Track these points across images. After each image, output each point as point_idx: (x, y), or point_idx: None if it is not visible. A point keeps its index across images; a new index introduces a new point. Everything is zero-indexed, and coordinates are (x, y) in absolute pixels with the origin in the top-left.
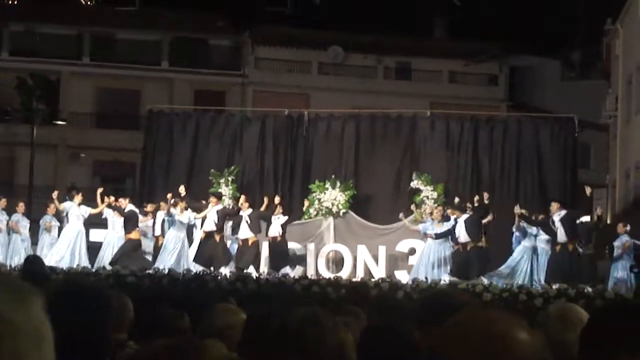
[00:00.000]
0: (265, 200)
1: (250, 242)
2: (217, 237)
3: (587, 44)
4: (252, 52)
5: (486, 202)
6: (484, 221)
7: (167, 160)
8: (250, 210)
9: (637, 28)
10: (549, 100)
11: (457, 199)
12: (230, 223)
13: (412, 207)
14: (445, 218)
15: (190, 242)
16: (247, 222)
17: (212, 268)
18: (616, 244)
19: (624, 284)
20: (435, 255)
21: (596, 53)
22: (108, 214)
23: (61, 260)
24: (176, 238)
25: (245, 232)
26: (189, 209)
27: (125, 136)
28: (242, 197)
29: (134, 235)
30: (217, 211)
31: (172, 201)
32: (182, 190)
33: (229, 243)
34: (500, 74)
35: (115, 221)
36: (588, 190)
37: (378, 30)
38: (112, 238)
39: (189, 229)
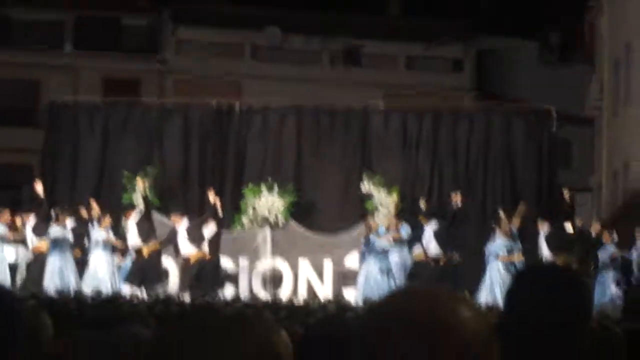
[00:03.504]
0: (212, 196)
1: (192, 260)
2: (147, 252)
3: (567, 23)
4: (173, 33)
5: (460, 204)
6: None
7: (71, 162)
8: (185, 221)
9: (624, 3)
10: (523, 89)
11: (421, 203)
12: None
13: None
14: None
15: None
16: (184, 236)
17: (143, 289)
18: (601, 255)
19: (611, 302)
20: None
21: (578, 33)
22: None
23: None
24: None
25: (186, 247)
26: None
27: (21, 135)
28: (173, 215)
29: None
30: (136, 223)
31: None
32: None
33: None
34: (465, 59)
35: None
36: (567, 193)
37: (323, 8)
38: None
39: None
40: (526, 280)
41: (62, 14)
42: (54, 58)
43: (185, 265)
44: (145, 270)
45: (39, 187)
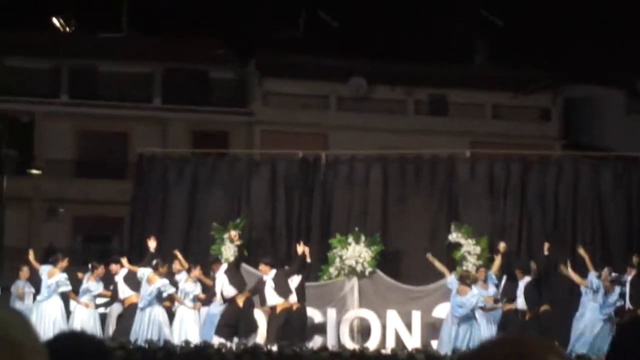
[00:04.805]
0: (301, 248)
1: (279, 310)
2: (241, 302)
3: None
4: (260, 85)
5: (546, 253)
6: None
7: (160, 214)
8: (273, 272)
9: None
10: (611, 137)
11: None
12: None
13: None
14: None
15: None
16: (272, 286)
17: (235, 340)
18: None
19: None
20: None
21: None
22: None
23: None
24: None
25: (272, 297)
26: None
27: (111, 187)
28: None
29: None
30: (225, 272)
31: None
32: (177, 253)
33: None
34: (553, 108)
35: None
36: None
37: (407, 58)
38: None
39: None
40: (631, 332)
41: (150, 68)
42: (143, 111)
43: (272, 315)
44: (240, 320)
45: (152, 244)
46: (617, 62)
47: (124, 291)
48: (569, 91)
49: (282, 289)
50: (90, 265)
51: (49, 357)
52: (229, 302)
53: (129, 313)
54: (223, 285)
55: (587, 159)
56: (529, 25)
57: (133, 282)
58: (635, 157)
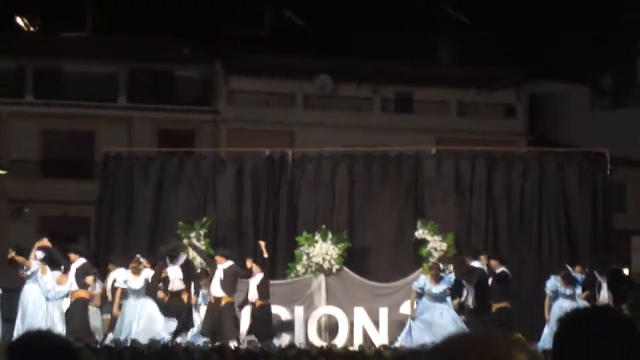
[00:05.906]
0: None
1: (223, 303)
2: (185, 298)
3: (619, 67)
4: (225, 84)
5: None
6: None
7: (127, 213)
8: (227, 263)
9: None
10: (576, 133)
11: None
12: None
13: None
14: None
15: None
16: (220, 277)
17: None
18: None
19: None
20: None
21: (630, 76)
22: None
23: None
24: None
25: (216, 289)
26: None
27: (76, 186)
28: (217, 256)
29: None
30: (181, 265)
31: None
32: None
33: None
34: (518, 104)
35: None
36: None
37: (373, 56)
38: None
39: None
40: (573, 323)
41: (115, 67)
42: (109, 110)
43: (212, 305)
44: (181, 316)
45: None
46: (581, 58)
47: (72, 284)
48: (534, 87)
49: (228, 284)
50: (63, 267)
51: (15, 356)
52: (174, 295)
53: (76, 309)
54: (175, 277)
55: (552, 155)
56: (494, 23)
57: (83, 278)
58: (600, 152)
